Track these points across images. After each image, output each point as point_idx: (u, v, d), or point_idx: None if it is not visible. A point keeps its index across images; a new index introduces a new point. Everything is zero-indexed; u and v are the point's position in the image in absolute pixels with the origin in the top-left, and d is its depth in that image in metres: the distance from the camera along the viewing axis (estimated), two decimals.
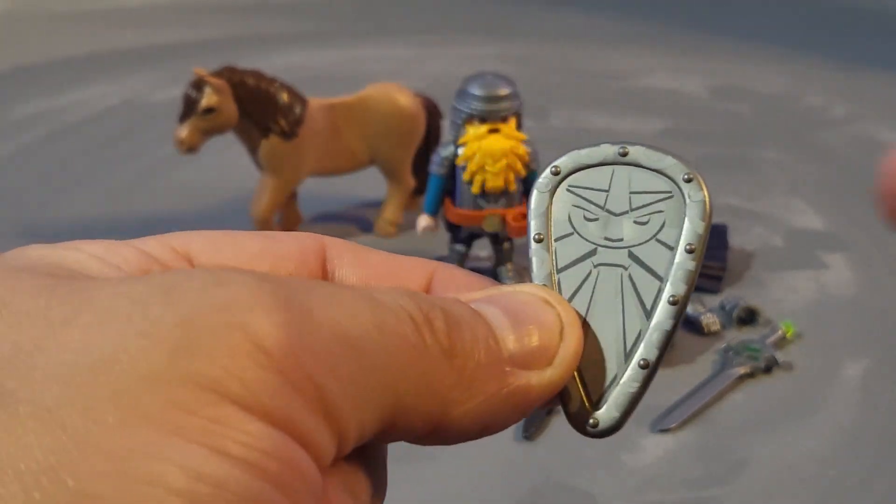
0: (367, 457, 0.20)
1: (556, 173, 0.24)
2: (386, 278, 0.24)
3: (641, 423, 0.70)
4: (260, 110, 0.86)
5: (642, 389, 0.23)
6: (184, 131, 0.84)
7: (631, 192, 0.24)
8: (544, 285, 0.23)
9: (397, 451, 0.76)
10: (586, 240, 0.24)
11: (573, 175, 0.24)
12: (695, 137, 1.21)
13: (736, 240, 0.94)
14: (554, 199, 0.24)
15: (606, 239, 0.24)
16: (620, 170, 0.24)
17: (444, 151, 0.83)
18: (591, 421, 0.23)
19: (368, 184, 0.97)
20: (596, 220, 0.24)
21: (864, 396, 0.74)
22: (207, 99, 0.83)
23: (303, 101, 0.89)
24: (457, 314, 0.20)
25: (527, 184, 0.82)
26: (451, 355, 0.19)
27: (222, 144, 0.91)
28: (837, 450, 0.68)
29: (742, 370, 0.75)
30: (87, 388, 0.16)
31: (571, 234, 0.24)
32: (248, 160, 0.91)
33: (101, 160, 1.13)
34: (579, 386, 0.23)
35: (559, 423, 0.70)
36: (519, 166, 0.80)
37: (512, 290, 0.22)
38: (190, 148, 0.84)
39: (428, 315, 0.19)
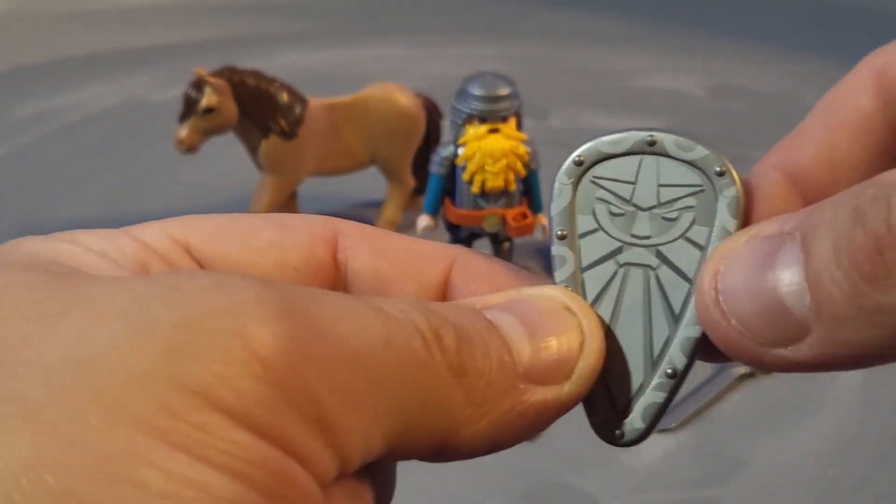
0: (374, 472, 0.19)
1: (579, 163, 0.23)
2: (403, 268, 0.23)
3: None
4: (260, 110, 0.86)
5: (669, 399, 0.22)
6: (184, 131, 0.84)
7: (659, 185, 0.22)
8: (567, 287, 0.22)
9: None
10: (612, 237, 0.22)
11: (597, 165, 0.23)
12: (694, 137, 1.21)
13: None
14: (577, 191, 0.23)
15: (633, 236, 0.22)
16: (648, 160, 0.22)
17: (444, 151, 0.83)
18: (616, 431, 0.22)
19: (368, 184, 0.97)
20: (622, 214, 0.22)
21: (864, 396, 0.74)
22: (207, 99, 0.83)
23: (303, 101, 0.89)
24: (469, 328, 0.19)
25: (527, 184, 0.82)
26: (460, 373, 0.19)
27: (222, 144, 0.91)
28: (837, 449, 0.68)
29: (742, 370, 0.75)
30: (73, 385, 0.15)
31: (596, 230, 0.22)
32: (248, 160, 0.91)
33: (101, 160, 1.13)
34: (604, 394, 0.22)
35: (559, 423, 0.70)
36: (519, 166, 0.80)
37: (533, 295, 0.21)
38: (190, 148, 0.84)
39: (438, 331, 0.19)
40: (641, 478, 0.65)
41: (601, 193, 0.23)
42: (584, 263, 0.22)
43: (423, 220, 0.84)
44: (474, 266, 0.23)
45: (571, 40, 1.60)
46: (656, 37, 1.63)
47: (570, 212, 0.23)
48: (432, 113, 0.94)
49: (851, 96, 0.22)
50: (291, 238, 0.22)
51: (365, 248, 0.23)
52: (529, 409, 0.20)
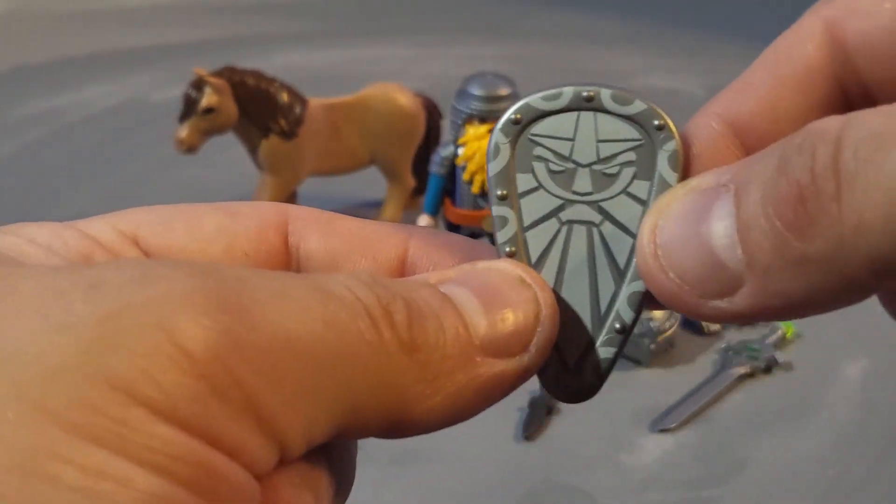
0: (330, 452, 0.19)
1: (516, 122, 0.22)
2: (357, 249, 0.22)
3: (641, 423, 0.70)
4: (260, 110, 0.86)
5: (618, 353, 0.22)
6: (184, 131, 0.84)
7: (598, 141, 0.22)
8: (512, 253, 0.22)
9: (397, 451, 0.76)
10: (553, 195, 0.22)
11: (535, 123, 0.22)
12: None
13: None
14: (516, 150, 0.22)
15: (574, 193, 0.22)
16: (586, 116, 0.22)
17: (444, 151, 0.83)
18: (567, 387, 0.22)
19: (368, 184, 0.97)
20: (562, 172, 0.22)
21: (864, 396, 0.74)
22: (207, 99, 0.83)
23: (303, 101, 0.89)
24: (421, 303, 0.19)
25: None
26: (412, 350, 0.18)
27: (222, 144, 0.91)
28: (837, 450, 0.68)
29: (742, 370, 0.75)
30: None
31: (537, 188, 0.22)
32: (248, 160, 0.91)
33: (101, 160, 1.13)
34: (554, 352, 0.22)
35: (559, 423, 0.70)
36: None
37: (488, 268, 0.21)
38: (190, 148, 0.84)
39: (387, 307, 0.18)
40: (641, 478, 0.65)
41: (539, 151, 0.22)
42: (527, 223, 0.22)
43: (423, 220, 0.84)
44: (433, 242, 0.23)
45: (571, 40, 1.60)
46: (656, 37, 1.63)
47: (509, 171, 0.22)
48: (432, 113, 0.94)
49: (798, 47, 0.22)
50: (240, 224, 0.22)
51: (316, 230, 0.22)
52: (487, 382, 0.20)
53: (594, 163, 0.22)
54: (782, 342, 0.79)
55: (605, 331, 0.22)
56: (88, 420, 0.15)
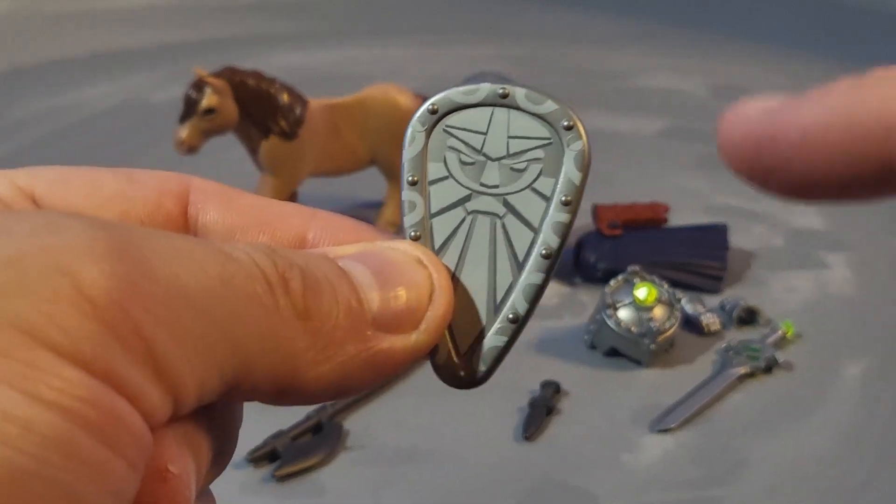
0: (214, 414, 0.20)
1: (433, 112, 0.23)
2: (257, 226, 0.23)
3: (641, 423, 0.70)
4: (260, 111, 0.86)
5: (510, 343, 0.23)
6: (184, 132, 0.84)
7: (509, 137, 0.23)
8: (417, 237, 0.23)
9: (397, 451, 0.76)
10: (461, 184, 0.23)
11: (451, 115, 0.23)
12: (694, 137, 1.21)
13: (736, 240, 0.94)
14: (430, 139, 0.23)
15: (482, 185, 0.23)
16: (500, 112, 0.23)
17: None
18: (458, 373, 0.23)
19: (368, 184, 0.97)
20: (472, 164, 0.23)
21: (864, 396, 0.74)
22: (208, 99, 0.83)
23: (303, 102, 0.89)
24: (318, 273, 0.19)
25: None
26: (305, 317, 0.19)
27: (222, 144, 0.91)
28: (837, 450, 0.68)
29: (742, 370, 0.75)
30: None
31: (446, 177, 0.23)
32: (248, 160, 0.91)
33: (101, 160, 1.13)
34: (447, 337, 0.22)
35: (559, 423, 0.70)
36: None
37: (386, 247, 0.22)
38: (190, 148, 0.84)
39: (284, 274, 0.19)
40: (642, 478, 0.65)
41: (453, 142, 0.23)
42: (434, 210, 0.23)
43: None
44: (333, 223, 0.23)
45: (571, 40, 1.60)
46: (656, 37, 1.63)
47: (421, 158, 0.23)
48: None
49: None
50: (138, 190, 0.22)
51: (216, 203, 0.23)
52: (377, 356, 0.20)
53: (503, 157, 0.23)
54: (782, 342, 0.79)
55: (499, 320, 0.23)
56: None
